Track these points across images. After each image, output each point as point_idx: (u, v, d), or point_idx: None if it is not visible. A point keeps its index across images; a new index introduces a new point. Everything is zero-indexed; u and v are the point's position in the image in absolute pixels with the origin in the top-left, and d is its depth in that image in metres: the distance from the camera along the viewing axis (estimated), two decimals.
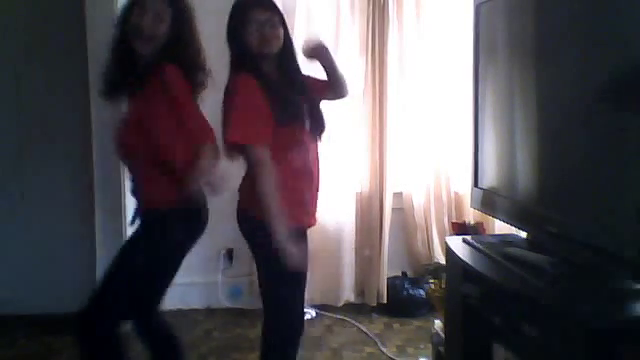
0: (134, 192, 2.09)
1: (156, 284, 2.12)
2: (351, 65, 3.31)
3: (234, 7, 2.00)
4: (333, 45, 3.30)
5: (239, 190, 2.05)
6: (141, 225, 2.08)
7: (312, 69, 2.12)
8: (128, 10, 1.97)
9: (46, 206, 3.22)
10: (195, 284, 2.87)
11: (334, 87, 2.13)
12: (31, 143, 3.20)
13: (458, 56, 3.24)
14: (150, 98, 1.92)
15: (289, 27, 2.08)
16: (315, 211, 2.09)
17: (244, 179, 2.03)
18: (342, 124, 3.31)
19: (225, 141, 1.94)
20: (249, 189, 1.97)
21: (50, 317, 3.04)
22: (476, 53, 2.35)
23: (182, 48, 1.98)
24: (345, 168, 3.35)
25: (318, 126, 2.04)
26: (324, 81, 2.14)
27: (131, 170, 2.10)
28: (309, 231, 2.11)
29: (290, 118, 1.94)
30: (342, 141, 3.33)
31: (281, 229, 1.85)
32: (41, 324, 3.08)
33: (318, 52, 2.04)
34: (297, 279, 1.97)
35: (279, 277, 1.93)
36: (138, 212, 2.09)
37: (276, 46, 1.97)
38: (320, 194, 2.09)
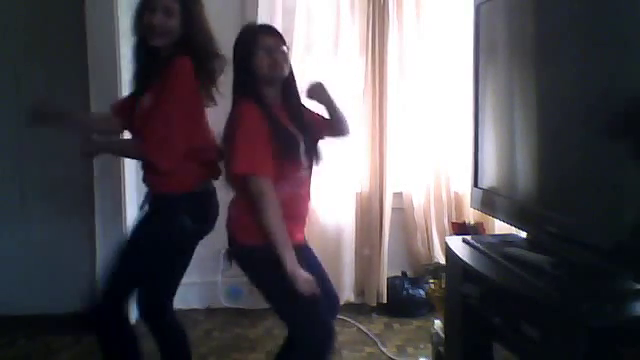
0: (144, 179, 2.14)
1: (163, 272, 2.15)
2: (351, 65, 3.32)
3: (243, 32, 2.04)
4: (333, 45, 3.31)
5: (229, 224, 2.04)
6: (149, 210, 2.12)
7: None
8: (140, 13, 2.03)
9: (46, 206, 3.22)
10: (195, 284, 2.87)
11: (335, 126, 2.18)
12: (31, 143, 3.20)
13: (458, 56, 3.24)
14: (160, 91, 1.97)
15: (289, 27, 2.10)
16: (302, 238, 2.12)
17: (236, 211, 2.02)
18: None
19: (230, 172, 1.96)
20: (247, 222, 1.94)
21: (50, 317, 3.04)
22: (476, 53, 2.35)
23: (194, 38, 2.03)
24: (345, 168, 3.35)
25: (314, 159, 2.07)
26: (325, 119, 2.18)
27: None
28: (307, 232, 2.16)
29: (288, 152, 1.95)
30: (342, 141, 3.32)
31: (290, 257, 1.86)
32: (41, 324, 3.08)
33: (318, 92, 2.10)
34: (313, 296, 1.93)
35: (296, 302, 1.90)
36: (148, 198, 2.15)
37: (286, 71, 2.02)
38: (305, 224, 2.13)
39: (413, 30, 3.34)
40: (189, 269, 2.69)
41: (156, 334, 2.23)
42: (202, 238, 2.16)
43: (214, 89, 2.09)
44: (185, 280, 2.67)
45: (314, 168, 2.09)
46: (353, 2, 3.30)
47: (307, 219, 2.15)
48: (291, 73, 2.08)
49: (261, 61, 1.97)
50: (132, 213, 2.87)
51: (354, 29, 3.32)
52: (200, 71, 2.00)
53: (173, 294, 2.25)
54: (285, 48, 2.03)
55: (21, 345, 2.97)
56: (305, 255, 2.03)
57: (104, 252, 2.90)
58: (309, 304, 1.91)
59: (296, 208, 2.03)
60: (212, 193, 2.15)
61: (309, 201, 2.13)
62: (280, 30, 2.09)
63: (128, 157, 2.59)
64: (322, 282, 2.03)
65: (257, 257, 1.95)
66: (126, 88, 2.57)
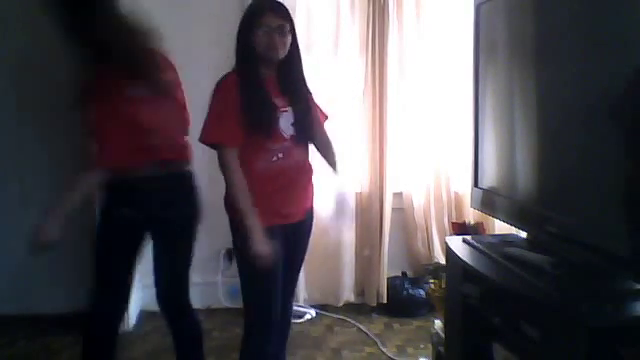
0: None
1: (107, 260, 2.17)
2: (351, 65, 3.32)
3: (247, 10, 2.05)
4: (333, 45, 3.31)
5: None
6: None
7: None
8: None
9: (46, 206, 3.22)
10: (195, 284, 2.84)
11: (325, 154, 2.23)
12: (31, 143, 3.20)
13: (458, 56, 3.24)
14: None
15: None
16: (295, 211, 2.10)
17: None
18: (342, 124, 3.31)
19: (199, 140, 2.01)
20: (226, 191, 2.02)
21: (50, 317, 3.04)
22: (476, 53, 2.35)
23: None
24: (345, 168, 3.35)
25: (303, 136, 2.07)
26: (323, 115, 2.24)
27: None
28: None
29: (259, 122, 1.97)
30: (342, 141, 3.33)
31: (253, 228, 1.90)
32: (41, 324, 3.08)
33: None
34: (267, 277, 2.00)
35: (248, 275, 2.03)
36: None
37: (282, 53, 2.00)
38: (305, 195, 2.14)
39: (413, 30, 3.34)
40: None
41: (172, 331, 2.30)
42: (165, 227, 2.16)
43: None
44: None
45: (305, 139, 2.09)
46: (353, 2, 3.30)
47: (306, 192, 2.14)
48: (295, 51, 2.06)
49: (258, 39, 1.97)
50: None
51: (354, 29, 3.32)
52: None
53: (179, 291, 2.28)
54: (288, 27, 2.00)
55: (21, 345, 2.97)
56: (287, 238, 2.06)
57: None
58: (261, 282, 2.00)
59: (282, 179, 2.03)
60: (149, 179, 2.08)
61: (305, 172, 2.13)
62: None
63: None
64: (283, 284, 2.09)
65: (232, 229, 2.04)
66: None
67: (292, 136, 2.04)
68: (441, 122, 3.39)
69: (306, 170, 2.14)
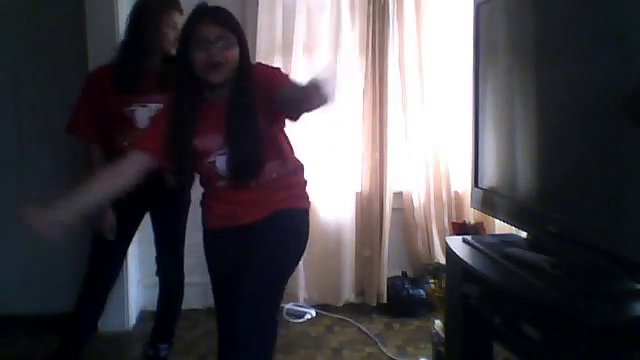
0: None
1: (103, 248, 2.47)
2: (351, 65, 3.31)
3: (184, 25, 1.79)
4: (333, 45, 3.31)
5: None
6: None
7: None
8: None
9: (46, 206, 3.22)
10: (195, 284, 2.86)
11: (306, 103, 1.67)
12: (31, 143, 3.20)
13: (458, 56, 3.24)
14: None
15: (289, 27, 1.98)
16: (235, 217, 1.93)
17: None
18: (342, 124, 3.31)
19: None
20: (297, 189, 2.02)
21: (50, 317, 3.03)
22: (476, 53, 2.35)
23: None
24: (345, 168, 3.35)
25: (243, 179, 1.83)
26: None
27: None
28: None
29: (178, 169, 1.87)
30: (342, 141, 3.33)
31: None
32: (41, 324, 3.08)
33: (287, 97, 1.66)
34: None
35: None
36: None
37: (223, 74, 1.71)
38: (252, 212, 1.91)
39: (413, 30, 3.34)
40: (189, 269, 2.71)
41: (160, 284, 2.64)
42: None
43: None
44: (185, 280, 2.69)
45: (247, 181, 1.84)
46: (353, 2, 3.30)
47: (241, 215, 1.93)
48: (244, 73, 1.73)
49: (197, 57, 1.69)
50: None
51: (354, 29, 3.32)
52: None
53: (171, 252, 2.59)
54: (230, 38, 1.69)
55: (21, 345, 2.97)
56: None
57: None
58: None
59: (218, 209, 1.95)
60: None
61: (244, 210, 1.90)
62: (278, 29, 1.87)
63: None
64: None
65: None
66: None
67: (229, 176, 1.83)
68: (441, 122, 3.38)
69: (275, 188, 1.89)
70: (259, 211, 1.89)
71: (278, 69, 1.91)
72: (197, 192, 2.10)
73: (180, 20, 2.24)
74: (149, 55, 2.33)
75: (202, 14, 1.72)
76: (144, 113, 2.31)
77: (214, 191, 1.96)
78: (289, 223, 1.92)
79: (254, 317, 1.81)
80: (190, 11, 1.79)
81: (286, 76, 1.83)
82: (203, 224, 2.07)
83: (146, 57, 2.33)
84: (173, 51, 2.25)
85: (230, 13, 1.76)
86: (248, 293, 1.82)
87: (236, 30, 1.73)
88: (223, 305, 2.07)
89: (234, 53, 1.72)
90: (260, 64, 1.95)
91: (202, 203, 2.06)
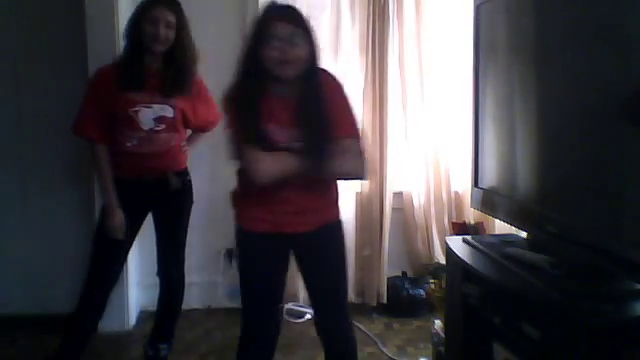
0: None
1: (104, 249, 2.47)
2: (351, 65, 3.31)
3: (256, 21, 1.81)
4: (333, 45, 3.31)
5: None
6: None
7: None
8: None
9: (46, 206, 3.22)
10: (195, 284, 2.87)
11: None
12: (31, 143, 3.20)
13: (458, 56, 3.24)
14: None
15: None
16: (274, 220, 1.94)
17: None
18: None
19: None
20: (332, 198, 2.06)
21: (50, 317, 3.03)
22: (476, 53, 2.35)
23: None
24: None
25: (311, 170, 1.83)
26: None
27: None
28: None
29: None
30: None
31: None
32: (41, 324, 3.08)
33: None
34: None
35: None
36: None
37: (293, 69, 1.76)
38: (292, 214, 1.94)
39: (413, 30, 3.34)
40: (189, 269, 2.71)
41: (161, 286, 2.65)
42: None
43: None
44: (185, 280, 2.69)
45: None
46: (353, 2, 3.30)
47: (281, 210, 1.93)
48: (314, 70, 1.79)
49: (270, 53, 1.73)
50: None
51: (354, 29, 3.32)
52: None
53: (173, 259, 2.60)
54: (302, 37, 1.74)
55: (21, 345, 2.97)
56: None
57: None
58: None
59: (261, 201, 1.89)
60: (131, 181, 2.39)
61: (290, 204, 1.91)
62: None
63: None
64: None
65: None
66: None
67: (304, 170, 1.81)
68: (441, 122, 3.38)
69: (305, 195, 1.92)
70: (310, 219, 1.93)
71: (341, 87, 1.95)
72: (201, 193, 2.09)
73: (171, 17, 2.27)
74: (148, 54, 2.33)
75: (275, 11, 1.77)
76: (148, 114, 2.32)
77: (261, 191, 1.85)
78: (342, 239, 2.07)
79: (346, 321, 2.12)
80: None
81: (351, 114, 1.93)
82: (241, 225, 1.98)
83: (145, 56, 2.33)
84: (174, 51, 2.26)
85: (301, 12, 1.81)
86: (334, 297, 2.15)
87: (307, 29, 1.77)
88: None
89: (305, 51, 1.76)
90: (325, 70, 1.94)
91: (239, 203, 1.98)
